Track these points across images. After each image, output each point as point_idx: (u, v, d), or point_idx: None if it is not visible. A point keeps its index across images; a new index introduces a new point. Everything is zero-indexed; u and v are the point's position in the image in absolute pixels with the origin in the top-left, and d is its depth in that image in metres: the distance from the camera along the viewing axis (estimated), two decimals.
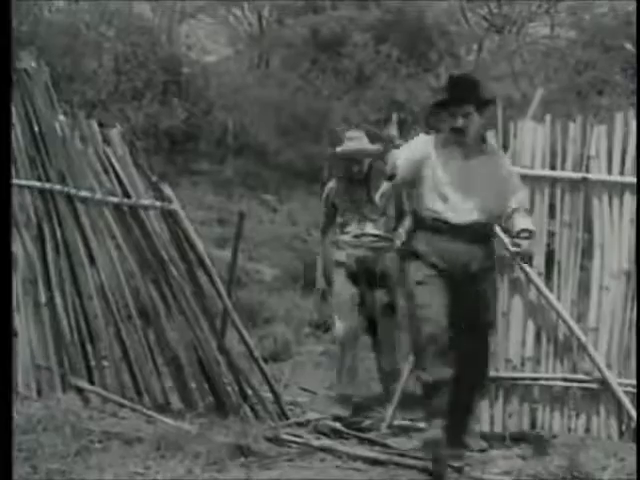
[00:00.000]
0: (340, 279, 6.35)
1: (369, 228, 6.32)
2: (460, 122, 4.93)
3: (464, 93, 4.94)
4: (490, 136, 5.51)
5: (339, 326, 6.28)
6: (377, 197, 5.73)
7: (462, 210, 4.93)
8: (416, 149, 5.02)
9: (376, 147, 6.40)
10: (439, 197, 4.95)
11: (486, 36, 23.29)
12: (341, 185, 6.45)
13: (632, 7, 21.43)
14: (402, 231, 5.98)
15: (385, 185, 5.81)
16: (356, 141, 6.40)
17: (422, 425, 5.86)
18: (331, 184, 6.54)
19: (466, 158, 4.99)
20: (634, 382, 5.73)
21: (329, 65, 19.14)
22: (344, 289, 6.31)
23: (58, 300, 5.70)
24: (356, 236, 6.32)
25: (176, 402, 5.93)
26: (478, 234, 4.99)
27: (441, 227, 4.95)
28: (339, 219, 6.42)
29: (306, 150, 16.68)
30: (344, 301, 6.28)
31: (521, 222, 5.02)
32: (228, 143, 17.37)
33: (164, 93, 16.52)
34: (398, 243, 5.89)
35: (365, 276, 6.30)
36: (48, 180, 5.81)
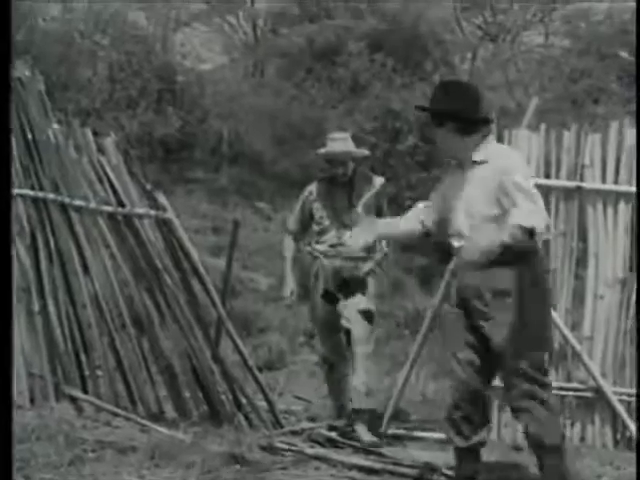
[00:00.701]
0: (317, 296, 6.02)
1: (347, 237, 5.45)
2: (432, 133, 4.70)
3: (433, 104, 4.54)
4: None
5: (320, 346, 6.16)
6: (360, 205, 5.73)
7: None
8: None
9: (362, 150, 6.24)
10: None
11: (481, 45, 23.32)
12: (322, 189, 6.06)
13: (628, 15, 21.50)
14: (384, 245, 5.89)
15: (369, 194, 5.86)
16: (340, 142, 6.03)
17: (416, 434, 5.88)
18: (310, 188, 6.12)
19: (461, 173, 4.50)
20: (629, 391, 5.73)
21: (324, 74, 19.15)
22: (320, 307, 6.02)
23: (51, 309, 5.68)
24: (333, 245, 5.92)
25: (170, 411, 5.92)
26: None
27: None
28: (315, 227, 6.03)
29: (301, 159, 16.67)
30: (322, 320, 6.04)
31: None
32: (223, 151, 17.35)
33: (159, 101, 16.50)
34: (378, 257, 5.85)
35: (341, 288, 5.94)
36: (42, 189, 5.80)
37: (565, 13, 23.30)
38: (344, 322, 5.88)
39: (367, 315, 5.87)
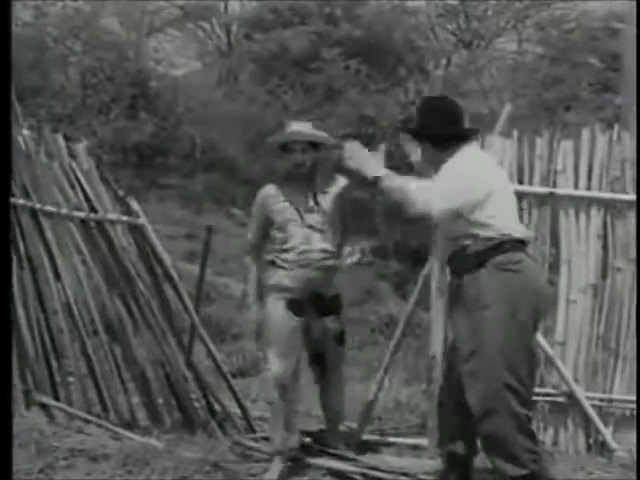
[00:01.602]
0: (279, 308, 5.16)
1: (316, 242, 5.17)
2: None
3: (412, 123, 4.65)
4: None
5: (276, 365, 5.14)
6: (328, 202, 5.21)
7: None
8: None
9: (323, 134, 5.33)
10: None
11: (455, 51, 23.44)
12: (280, 190, 5.26)
13: (598, 23, 21.67)
14: (355, 249, 5.61)
15: (335, 191, 5.23)
16: (299, 126, 5.31)
17: (391, 440, 5.88)
18: (266, 190, 5.31)
19: None
20: (601, 396, 5.75)
21: (298, 80, 19.17)
22: (284, 320, 5.14)
23: (21, 315, 5.62)
24: (302, 252, 5.16)
25: (143, 418, 5.89)
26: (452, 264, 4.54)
27: None
28: (278, 234, 5.24)
29: (274, 165, 16.67)
30: (284, 336, 5.13)
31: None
32: (196, 158, 17.33)
33: (132, 107, 16.48)
34: (348, 262, 5.48)
35: (312, 302, 5.20)
36: (12, 195, 5.74)
37: (538, 20, 23.48)
38: (313, 341, 5.26)
39: (341, 339, 5.34)
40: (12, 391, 4.49)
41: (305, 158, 5.18)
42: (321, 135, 5.28)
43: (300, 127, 5.27)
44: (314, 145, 5.22)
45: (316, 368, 5.37)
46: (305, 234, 5.16)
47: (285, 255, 5.18)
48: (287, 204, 5.20)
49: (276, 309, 5.17)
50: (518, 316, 4.23)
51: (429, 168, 4.56)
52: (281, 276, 5.18)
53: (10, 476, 3.79)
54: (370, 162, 4.47)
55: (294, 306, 5.17)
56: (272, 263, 5.25)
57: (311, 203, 5.21)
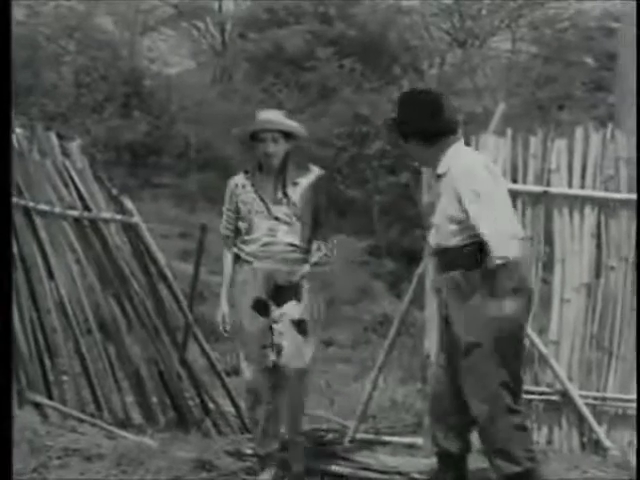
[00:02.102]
0: (244, 308, 4.90)
1: (282, 234, 4.91)
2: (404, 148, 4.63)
3: (396, 118, 4.59)
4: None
5: (247, 370, 4.89)
6: (298, 194, 4.93)
7: (429, 239, 4.61)
8: None
9: (292, 123, 5.03)
10: None
11: (449, 50, 23.45)
12: (249, 180, 5.02)
13: (592, 23, 21.69)
14: (322, 245, 4.98)
15: (305, 183, 4.97)
16: (269, 114, 5.07)
17: (385, 438, 5.88)
18: (235, 180, 5.07)
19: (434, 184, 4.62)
20: (595, 394, 5.76)
21: (292, 79, 19.16)
22: (250, 322, 4.87)
23: (15, 314, 5.60)
24: (265, 245, 4.91)
25: (137, 417, 5.88)
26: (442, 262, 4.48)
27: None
28: (242, 224, 4.98)
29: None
30: (252, 336, 4.86)
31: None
32: (190, 156, 17.31)
33: (125, 106, 16.46)
34: (315, 259, 4.94)
35: (273, 296, 4.91)
36: None
37: (532, 20, 23.50)
38: (275, 337, 4.88)
39: (301, 326, 4.88)
40: (12, 391, 4.47)
41: (277, 148, 4.92)
42: (292, 124, 5.01)
43: (270, 116, 5.03)
44: (286, 135, 4.95)
45: (275, 370, 4.88)
46: (270, 226, 4.90)
47: (248, 247, 4.93)
48: (254, 195, 4.96)
49: (242, 309, 4.91)
50: (511, 314, 4.24)
51: (419, 164, 4.54)
52: (244, 271, 4.93)
53: (10, 476, 3.78)
54: None
55: (259, 306, 4.88)
56: (237, 257, 4.99)
57: (279, 195, 4.95)
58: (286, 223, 4.91)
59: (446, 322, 4.44)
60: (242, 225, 4.98)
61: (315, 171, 5.04)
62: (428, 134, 4.40)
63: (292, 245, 4.91)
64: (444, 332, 4.49)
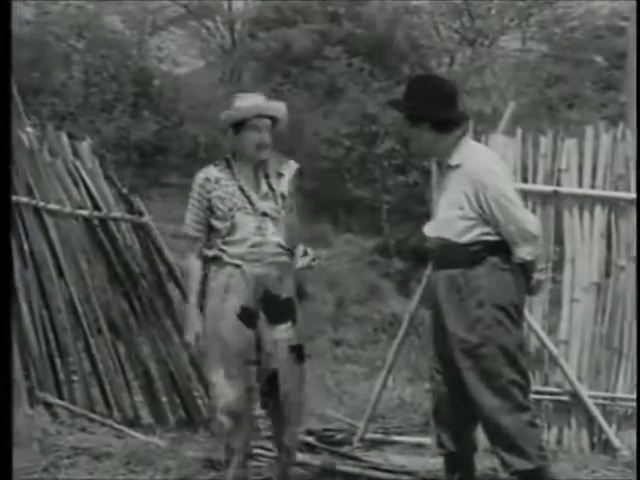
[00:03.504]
0: (226, 318, 4.29)
1: (271, 234, 4.34)
2: (406, 132, 4.45)
3: (407, 101, 4.37)
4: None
5: (226, 391, 4.27)
6: (284, 187, 4.42)
7: (427, 230, 4.44)
8: None
9: (279, 105, 4.51)
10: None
11: (458, 49, 23.40)
12: (224, 172, 4.41)
13: (602, 22, 21.65)
14: (308, 249, 4.55)
15: (288, 176, 4.47)
16: (250, 98, 4.48)
17: (394, 438, 5.88)
18: (206, 172, 4.42)
19: (440, 176, 4.45)
20: (605, 394, 5.75)
21: (301, 79, 19.14)
22: (233, 335, 4.27)
23: (25, 313, 5.62)
24: (254, 245, 4.33)
25: (146, 416, 5.90)
26: (442, 258, 4.35)
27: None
28: (219, 224, 4.34)
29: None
30: (234, 353, 4.27)
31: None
32: (199, 156, 17.30)
33: (135, 105, 16.47)
34: (300, 264, 4.50)
35: (263, 307, 4.32)
36: (15, 193, 5.74)
37: (541, 19, 23.45)
38: (264, 357, 4.32)
39: (299, 353, 4.40)
40: (12, 389, 4.48)
41: (268, 137, 4.38)
42: (282, 108, 4.47)
43: (255, 100, 4.46)
44: (272, 120, 4.43)
45: (266, 391, 4.39)
46: (257, 223, 4.33)
47: (232, 249, 4.31)
48: (234, 189, 4.36)
49: (223, 319, 4.29)
50: (512, 312, 4.23)
51: (422, 154, 4.45)
52: (227, 275, 4.32)
53: (10, 476, 3.79)
54: None
55: (245, 315, 4.29)
56: (215, 260, 4.35)
57: (264, 188, 4.40)
58: (273, 219, 4.35)
59: (439, 321, 4.34)
60: (219, 224, 4.34)
61: (291, 162, 4.53)
62: (443, 121, 4.29)
63: (280, 246, 4.37)
64: (438, 331, 4.38)
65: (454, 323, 4.26)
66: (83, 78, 16.56)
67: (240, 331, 4.29)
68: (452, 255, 4.28)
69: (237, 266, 4.31)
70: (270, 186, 4.40)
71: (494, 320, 4.19)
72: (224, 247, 4.33)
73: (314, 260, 4.55)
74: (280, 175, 4.45)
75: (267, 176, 4.42)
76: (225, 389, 4.27)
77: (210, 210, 4.37)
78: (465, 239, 4.25)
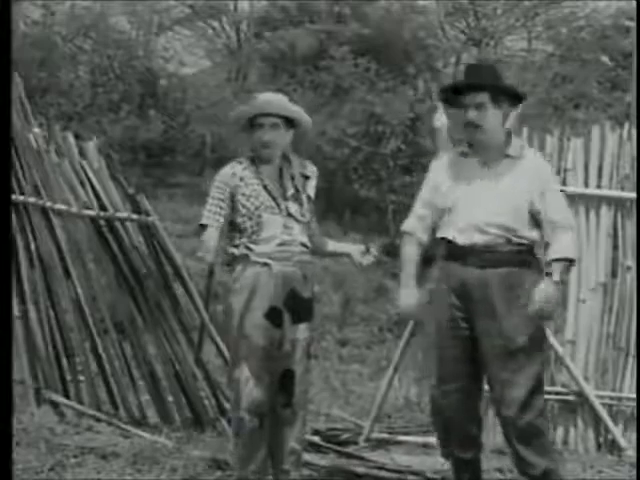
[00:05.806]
0: (254, 317, 4.28)
1: (297, 233, 4.37)
2: (473, 115, 4.16)
3: (476, 79, 4.20)
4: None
5: (253, 389, 4.28)
6: (311, 190, 4.45)
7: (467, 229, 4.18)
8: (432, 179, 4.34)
9: (299, 109, 4.52)
10: (444, 215, 4.25)
11: (464, 49, 23.41)
12: (248, 170, 4.39)
13: (608, 21, 21.63)
14: (368, 246, 4.60)
15: (313, 180, 4.48)
16: (270, 96, 4.58)
17: (400, 438, 5.87)
18: (234, 169, 4.41)
19: (485, 165, 4.23)
20: (611, 394, 5.74)
21: (307, 79, 19.18)
22: (261, 333, 4.27)
23: (32, 313, 5.63)
24: (282, 244, 4.33)
25: (153, 416, 5.89)
26: (492, 258, 4.15)
27: (449, 250, 4.24)
28: (246, 222, 4.34)
29: None
30: (260, 350, 4.28)
31: (554, 249, 4.15)
32: (205, 156, 17.34)
33: (141, 106, 16.52)
34: (369, 260, 4.52)
35: (288, 304, 4.32)
36: (22, 193, 5.76)
37: (547, 18, 23.45)
38: (282, 356, 4.34)
39: (310, 351, 4.48)
40: (12, 389, 4.48)
41: (275, 137, 4.35)
42: (294, 109, 4.46)
43: (271, 98, 4.48)
44: (287, 122, 4.42)
45: (281, 391, 4.38)
46: (285, 222, 4.34)
47: (260, 247, 4.30)
48: (259, 188, 4.36)
49: (248, 318, 4.29)
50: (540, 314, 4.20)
51: (494, 131, 4.20)
52: (254, 274, 4.29)
53: (10, 475, 3.80)
54: None
55: (273, 314, 4.29)
56: (241, 258, 4.33)
57: (291, 189, 4.40)
58: (297, 221, 4.37)
59: (483, 322, 4.18)
60: (245, 222, 4.33)
61: (312, 167, 4.56)
62: (517, 101, 4.33)
63: (305, 246, 4.39)
64: (480, 332, 4.18)
65: (509, 324, 4.13)
66: (90, 78, 16.62)
67: (267, 330, 4.28)
68: (506, 253, 4.14)
69: (264, 264, 4.30)
70: (296, 188, 4.41)
71: (535, 320, 4.15)
72: (251, 245, 4.32)
73: (375, 257, 4.53)
74: (306, 178, 4.47)
75: (292, 177, 4.42)
76: (249, 387, 4.27)
77: (232, 204, 4.35)
78: (532, 235, 4.17)
